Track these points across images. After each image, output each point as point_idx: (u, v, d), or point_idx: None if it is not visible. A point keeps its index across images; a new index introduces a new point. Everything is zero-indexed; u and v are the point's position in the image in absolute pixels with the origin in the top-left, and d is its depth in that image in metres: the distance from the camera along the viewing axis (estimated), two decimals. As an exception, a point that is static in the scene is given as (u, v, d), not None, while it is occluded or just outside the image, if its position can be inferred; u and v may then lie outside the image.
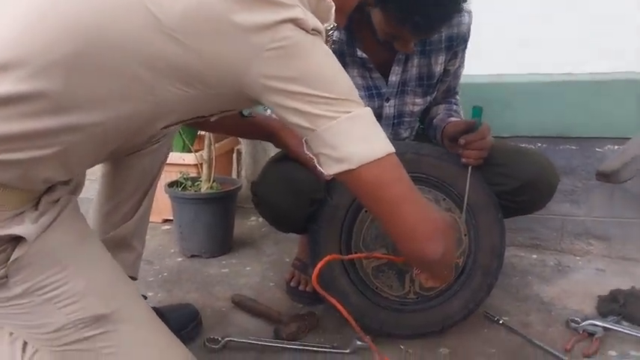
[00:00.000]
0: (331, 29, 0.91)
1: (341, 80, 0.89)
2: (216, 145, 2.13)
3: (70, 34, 0.81)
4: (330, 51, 0.89)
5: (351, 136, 0.86)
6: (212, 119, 1.02)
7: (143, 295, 1.43)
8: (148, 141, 1.34)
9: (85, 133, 0.86)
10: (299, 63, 0.84)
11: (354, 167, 0.86)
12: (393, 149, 0.90)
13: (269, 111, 1.54)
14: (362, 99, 1.52)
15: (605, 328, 1.47)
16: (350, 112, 0.86)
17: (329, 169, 0.89)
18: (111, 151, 0.98)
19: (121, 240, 1.37)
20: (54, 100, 0.82)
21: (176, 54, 0.82)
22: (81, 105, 0.84)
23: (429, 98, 1.61)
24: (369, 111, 0.89)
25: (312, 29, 0.85)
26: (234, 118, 1.38)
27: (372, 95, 1.55)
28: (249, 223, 2.40)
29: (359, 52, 1.48)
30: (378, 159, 0.87)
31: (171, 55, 0.83)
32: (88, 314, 0.93)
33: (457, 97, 1.72)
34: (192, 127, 1.99)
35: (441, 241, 0.94)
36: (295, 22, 0.83)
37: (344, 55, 1.49)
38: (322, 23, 0.87)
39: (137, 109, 0.87)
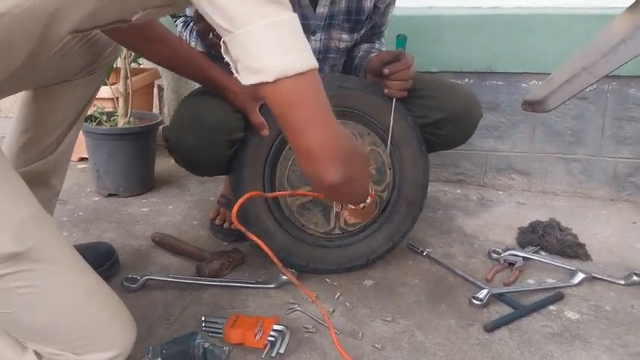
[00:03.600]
0: None
1: None
2: (134, 78, 2.00)
3: None
4: None
5: (272, 46, 0.78)
6: (133, 19, 0.91)
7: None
8: (81, 70, 1.22)
9: None
10: None
11: (271, 80, 0.79)
12: (315, 64, 0.82)
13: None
14: None
15: (524, 258, 1.52)
16: (274, 16, 0.77)
17: (246, 79, 0.81)
18: (23, 63, 0.86)
19: (38, 176, 1.26)
20: None
21: None
22: None
23: (355, 35, 1.55)
24: (294, 17, 0.81)
25: None
26: (171, 47, 1.26)
27: None
28: (173, 161, 2.29)
29: None
30: (298, 74, 0.80)
31: None
32: None
33: (382, 39, 1.66)
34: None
35: (341, 166, 0.89)
36: None
37: None
38: None
39: (27, 6, 0.76)
